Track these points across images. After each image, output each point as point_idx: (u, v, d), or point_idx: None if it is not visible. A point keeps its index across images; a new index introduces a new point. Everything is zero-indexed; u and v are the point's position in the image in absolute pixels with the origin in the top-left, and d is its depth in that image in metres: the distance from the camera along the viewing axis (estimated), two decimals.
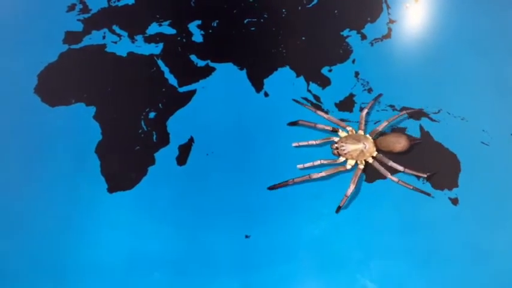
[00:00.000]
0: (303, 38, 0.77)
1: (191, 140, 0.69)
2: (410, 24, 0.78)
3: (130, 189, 0.65)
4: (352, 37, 0.77)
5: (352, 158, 0.64)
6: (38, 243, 0.62)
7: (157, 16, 0.79)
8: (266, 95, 0.72)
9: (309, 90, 0.72)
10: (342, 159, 0.65)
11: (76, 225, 0.63)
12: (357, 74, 0.73)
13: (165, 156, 0.67)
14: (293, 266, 0.60)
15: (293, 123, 0.69)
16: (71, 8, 0.80)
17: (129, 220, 0.63)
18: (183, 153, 0.67)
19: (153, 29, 0.78)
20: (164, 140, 0.69)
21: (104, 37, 0.77)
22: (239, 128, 0.67)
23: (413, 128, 0.69)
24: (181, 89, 0.73)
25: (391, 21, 0.78)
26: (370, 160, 0.65)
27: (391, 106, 0.70)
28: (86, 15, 0.79)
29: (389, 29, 0.77)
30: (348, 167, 0.64)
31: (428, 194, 0.63)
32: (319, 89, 0.72)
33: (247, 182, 0.64)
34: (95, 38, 0.77)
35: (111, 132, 0.69)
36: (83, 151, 0.67)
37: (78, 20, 0.79)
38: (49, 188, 0.65)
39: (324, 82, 0.73)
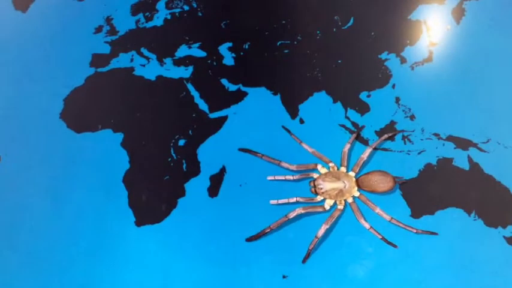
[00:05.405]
0: (339, 61, 0.73)
1: (223, 170, 0.65)
2: (453, 47, 0.74)
3: (160, 223, 0.61)
4: (391, 60, 0.73)
5: (331, 198, 0.59)
6: (60, 278, 0.59)
7: (187, 38, 0.76)
8: (301, 121, 0.68)
9: (347, 117, 0.68)
10: (319, 198, 0.60)
11: (102, 261, 0.60)
12: (397, 99, 0.69)
13: (196, 186, 0.64)
14: None
15: (246, 151, 0.65)
16: (98, 29, 0.77)
17: (158, 256, 0.60)
18: (215, 184, 0.64)
19: (183, 51, 0.75)
20: (195, 169, 0.65)
21: (131, 60, 0.74)
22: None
23: (460, 158, 0.64)
24: (212, 115, 0.69)
25: (432, 44, 0.74)
26: (350, 200, 0.60)
27: (436, 135, 0.66)
28: (114, 37, 0.76)
29: (430, 52, 0.73)
30: (327, 207, 0.59)
31: (395, 246, 0.58)
32: (357, 116, 0.68)
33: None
34: (122, 60, 0.74)
35: (139, 161, 0.66)
36: (110, 180, 0.64)
37: (106, 42, 0.76)
38: (74, 220, 0.62)
39: (363, 108, 0.69)
